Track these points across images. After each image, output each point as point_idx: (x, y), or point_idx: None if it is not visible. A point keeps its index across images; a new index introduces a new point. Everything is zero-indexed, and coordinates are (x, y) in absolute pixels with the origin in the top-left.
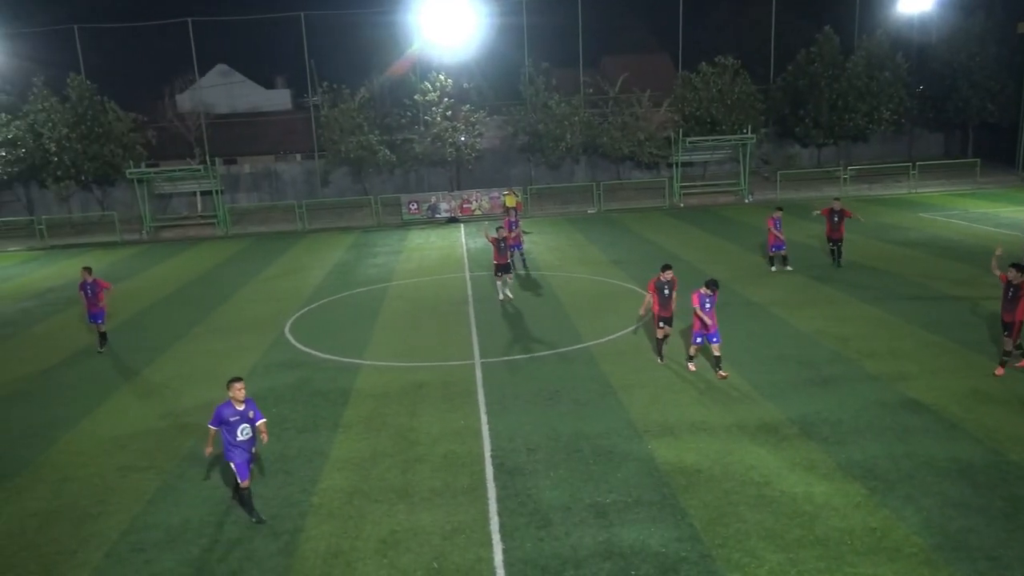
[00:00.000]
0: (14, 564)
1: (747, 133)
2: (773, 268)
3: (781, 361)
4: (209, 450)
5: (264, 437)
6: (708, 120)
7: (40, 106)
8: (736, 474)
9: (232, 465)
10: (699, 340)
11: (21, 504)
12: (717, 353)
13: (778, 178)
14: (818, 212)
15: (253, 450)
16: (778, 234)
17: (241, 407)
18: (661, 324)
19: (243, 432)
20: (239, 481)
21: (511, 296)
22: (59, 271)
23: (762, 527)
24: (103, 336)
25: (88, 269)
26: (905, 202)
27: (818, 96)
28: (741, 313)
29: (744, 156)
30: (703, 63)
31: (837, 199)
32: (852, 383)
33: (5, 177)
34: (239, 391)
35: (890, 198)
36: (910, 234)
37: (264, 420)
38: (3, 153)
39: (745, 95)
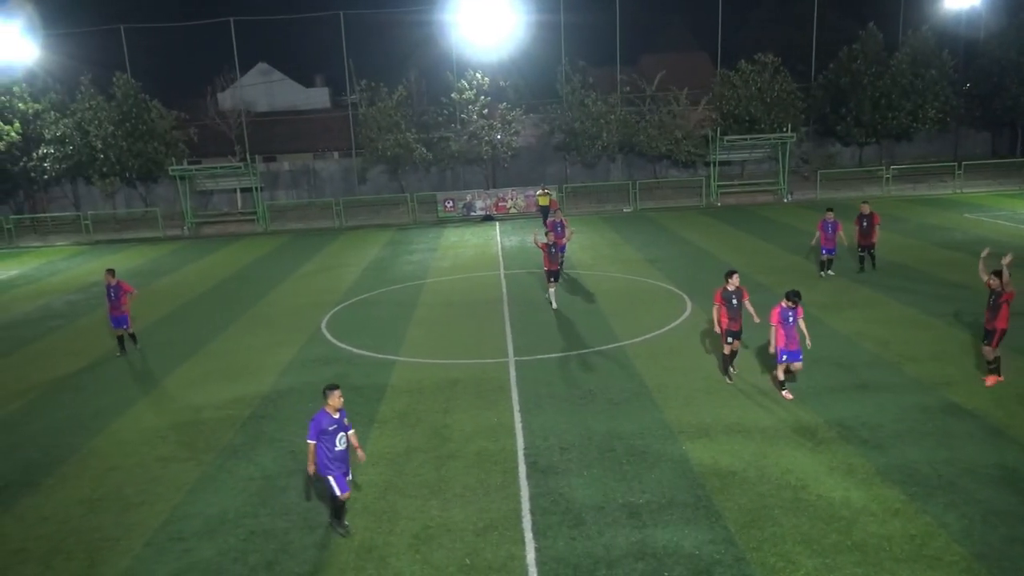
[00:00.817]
0: (61, 549)
1: (787, 132)
2: (822, 274)
3: (819, 363)
4: (312, 468)
5: (359, 453)
6: (747, 118)
7: (87, 104)
8: (772, 477)
9: (331, 479)
10: (784, 358)
11: (68, 491)
12: (792, 370)
13: (818, 177)
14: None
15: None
16: (828, 236)
17: (337, 415)
18: (730, 339)
19: (341, 442)
20: (337, 493)
21: (555, 304)
22: (103, 266)
23: (798, 531)
24: (133, 336)
25: (111, 272)
26: (950, 202)
27: (860, 94)
28: None
29: (783, 155)
30: (742, 61)
31: (865, 203)
32: (892, 386)
33: (53, 174)
34: (338, 399)
35: (934, 198)
36: (955, 235)
37: (353, 431)
38: (52, 150)
39: (785, 93)
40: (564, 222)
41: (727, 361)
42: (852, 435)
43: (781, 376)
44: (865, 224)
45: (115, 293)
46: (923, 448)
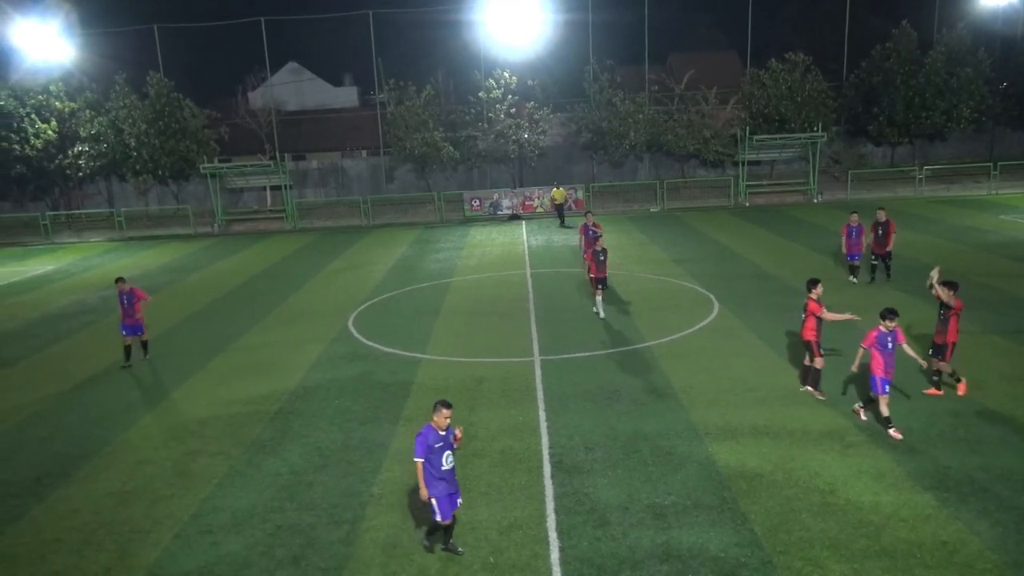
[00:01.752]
0: (92, 541)
1: (817, 131)
2: (852, 279)
3: (847, 366)
4: (425, 492)
5: (458, 433)
6: (776, 118)
7: (121, 103)
8: (799, 480)
9: (434, 502)
10: (888, 388)
11: (99, 484)
12: (873, 399)
13: (849, 178)
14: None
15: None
16: (852, 242)
17: (443, 432)
18: (822, 352)
19: (447, 460)
20: (438, 519)
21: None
22: (136, 262)
23: (826, 536)
24: (145, 345)
25: (121, 280)
26: (985, 203)
27: (893, 93)
28: None
29: (813, 155)
30: (772, 60)
31: (882, 208)
32: (923, 391)
33: (88, 171)
34: (445, 418)
35: (969, 199)
36: (989, 236)
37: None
38: (87, 148)
39: (816, 92)
40: (598, 228)
41: (818, 375)
42: (882, 439)
43: (886, 411)
44: (880, 232)
45: (128, 300)
46: (955, 453)
